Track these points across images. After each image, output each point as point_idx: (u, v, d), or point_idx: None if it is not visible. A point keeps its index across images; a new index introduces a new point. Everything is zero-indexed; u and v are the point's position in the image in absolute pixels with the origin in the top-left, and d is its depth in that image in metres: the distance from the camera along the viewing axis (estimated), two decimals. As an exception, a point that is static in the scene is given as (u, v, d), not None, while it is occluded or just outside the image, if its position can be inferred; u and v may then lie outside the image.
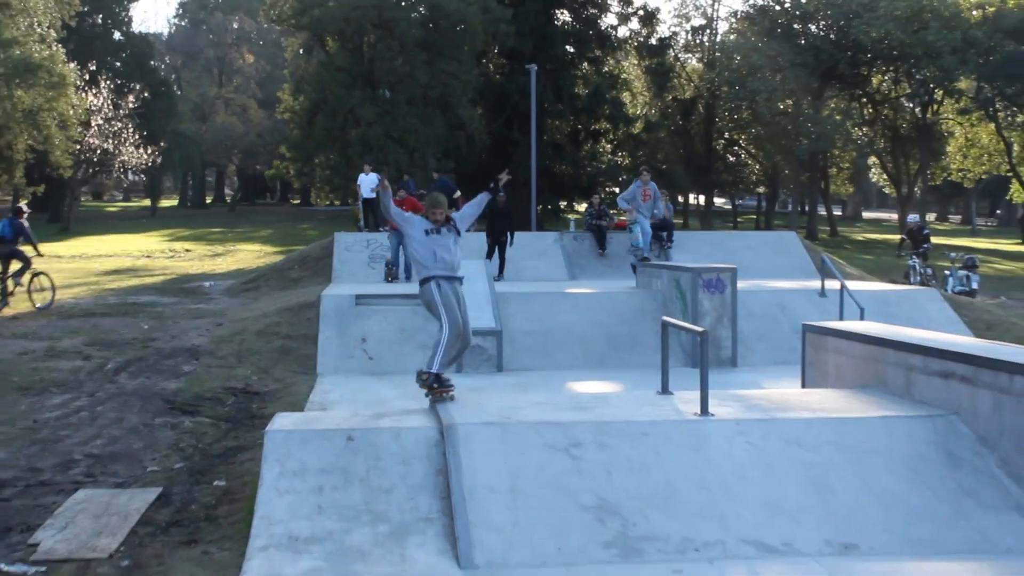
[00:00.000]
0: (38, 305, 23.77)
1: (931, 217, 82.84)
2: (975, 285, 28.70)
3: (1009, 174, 65.69)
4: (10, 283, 24.03)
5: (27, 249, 24.21)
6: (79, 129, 53.82)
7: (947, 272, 29.59)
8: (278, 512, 8.50)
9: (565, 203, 60.78)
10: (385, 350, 17.98)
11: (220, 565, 8.20)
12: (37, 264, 24.51)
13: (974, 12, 59.52)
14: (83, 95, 54.66)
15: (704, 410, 10.05)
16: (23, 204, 26.23)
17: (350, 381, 16.51)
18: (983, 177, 71.85)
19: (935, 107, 63.94)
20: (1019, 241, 63.23)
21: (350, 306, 19.07)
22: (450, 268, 10.99)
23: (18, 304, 23.83)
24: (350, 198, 47.69)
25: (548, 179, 51.72)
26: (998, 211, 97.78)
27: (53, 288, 24.63)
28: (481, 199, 11.74)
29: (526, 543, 8.19)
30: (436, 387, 10.68)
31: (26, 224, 24.13)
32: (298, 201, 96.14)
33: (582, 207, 52.69)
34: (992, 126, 63.02)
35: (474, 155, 51.85)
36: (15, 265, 24.14)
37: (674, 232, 27.46)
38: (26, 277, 24.19)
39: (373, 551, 8.07)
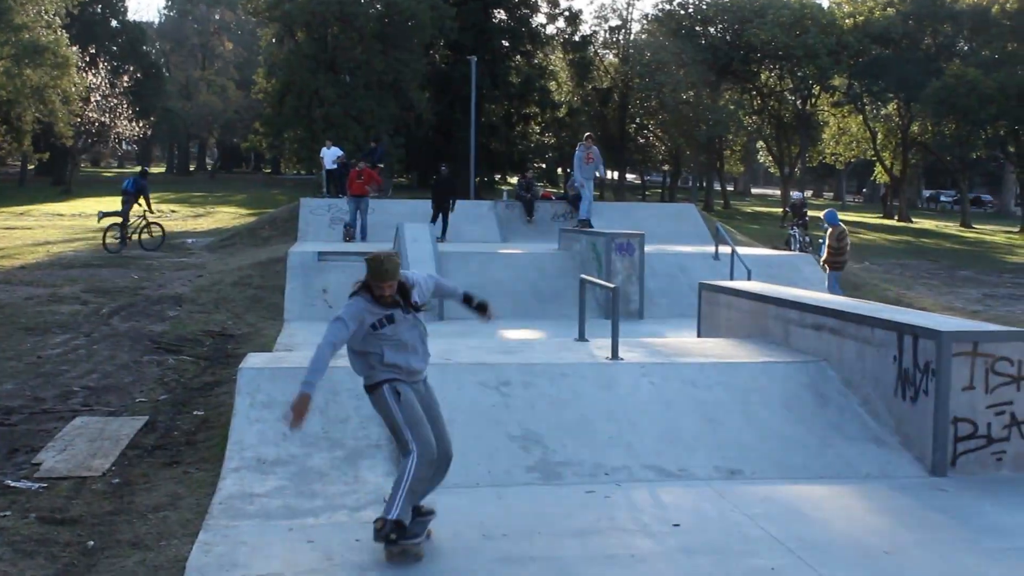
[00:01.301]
0: (146, 246, 25.80)
1: (808, 194, 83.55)
2: (844, 252, 28.91)
3: (873, 158, 66.29)
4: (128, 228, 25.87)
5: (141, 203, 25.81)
6: (80, 104, 52.92)
7: (821, 240, 29.75)
8: (249, 438, 8.44)
9: (499, 176, 60.89)
10: (343, 300, 17.76)
11: (198, 483, 8.13)
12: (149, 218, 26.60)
13: (847, 20, 59.86)
14: (84, 75, 53.77)
15: (614, 355, 10.10)
16: (146, 168, 27.76)
17: (312, 326, 16.33)
18: (852, 160, 72.57)
19: (813, 100, 64.30)
20: (881, 215, 63.89)
21: (313, 262, 18.93)
22: (405, 372, 6.64)
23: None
24: (314, 168, 47.16)
25: (485, 155, 51.39)
26: (864, 189, 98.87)
27: (164, 236, 26.98)
28: (457, 296, 7.42)
29: (461, 467, 8.16)
30: (394, 538, 6.22)
31: (146, 184, 26.14)
32: (269, 170, 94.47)
33: (514, 180, 52.52)
34: (860, 118, 63.63)
35: (422, 133, 51.52)
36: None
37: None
38: (139, 223, 26.23)
39: (330, 472, 8.04)
